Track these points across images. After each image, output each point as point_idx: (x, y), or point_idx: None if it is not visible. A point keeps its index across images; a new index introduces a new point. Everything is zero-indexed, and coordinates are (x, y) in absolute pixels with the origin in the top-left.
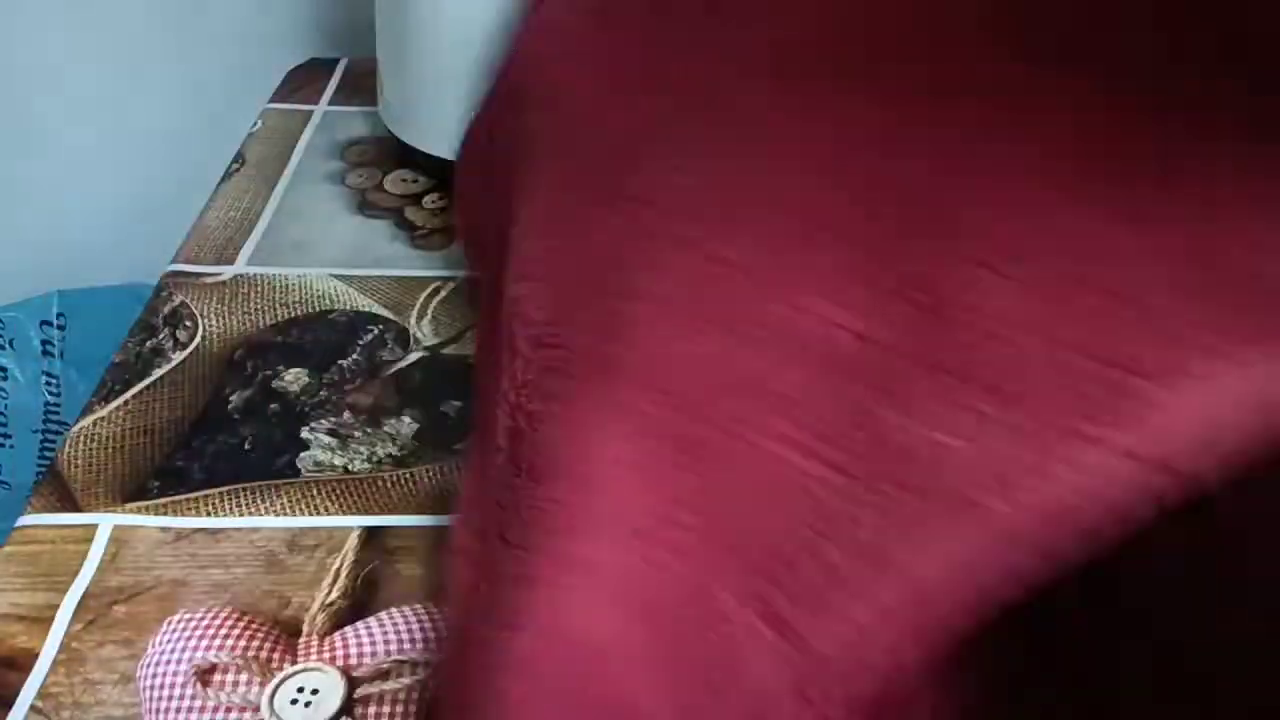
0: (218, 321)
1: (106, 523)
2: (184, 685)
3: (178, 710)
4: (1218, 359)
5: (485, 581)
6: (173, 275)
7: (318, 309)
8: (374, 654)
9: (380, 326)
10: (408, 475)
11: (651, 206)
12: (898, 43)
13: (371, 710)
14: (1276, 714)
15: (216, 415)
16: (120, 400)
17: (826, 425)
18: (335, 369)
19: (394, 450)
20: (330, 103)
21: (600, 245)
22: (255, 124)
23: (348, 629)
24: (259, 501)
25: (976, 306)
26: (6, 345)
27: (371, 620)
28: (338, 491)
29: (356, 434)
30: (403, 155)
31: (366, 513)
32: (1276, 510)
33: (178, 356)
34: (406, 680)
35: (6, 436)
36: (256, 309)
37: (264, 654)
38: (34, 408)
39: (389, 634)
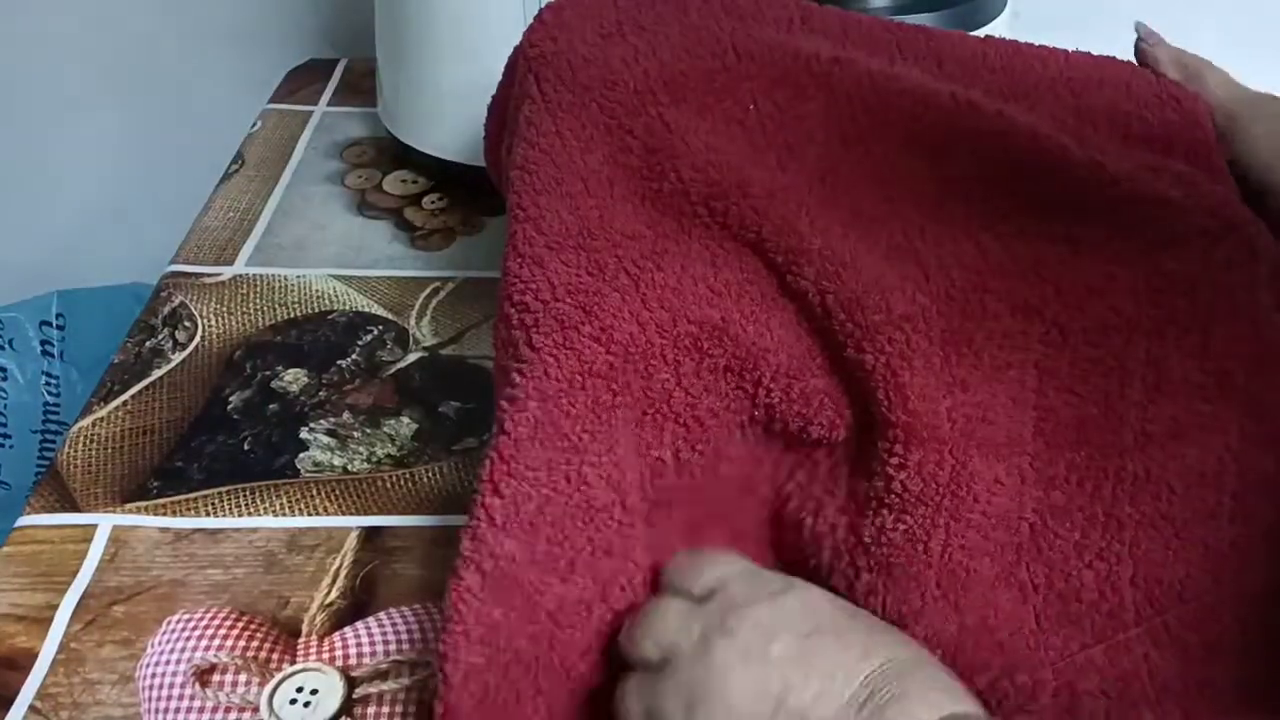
0: (217, 322)
1: (106, 523)
2: (183, 685)
3: (177, 710)
4: None
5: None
6: (172, 276)
7: (317, 309)
8: (373, 654)
9: (379, 327)
10: (407, 475)
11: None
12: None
13: (370, 710)
14: None
15: (216, 415)
16: (119, 400)
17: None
18: (334, 369)
19: (393, 450)
20: (329, 103)
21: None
22: (255, 124)
23: (347, 629)
24: (258, 502)
25: None
26: (6, 345)
27: (371, 620)
28: (337, 492)
29: (355, 434)
30: (402, 156)
31: (365, 513)
32: None
33: (177, 357)
34: (405, 680)
35: (6, 437)
36: (256, 309)
37: (263, 654)
38: (33, 408)
39: (388, 634)
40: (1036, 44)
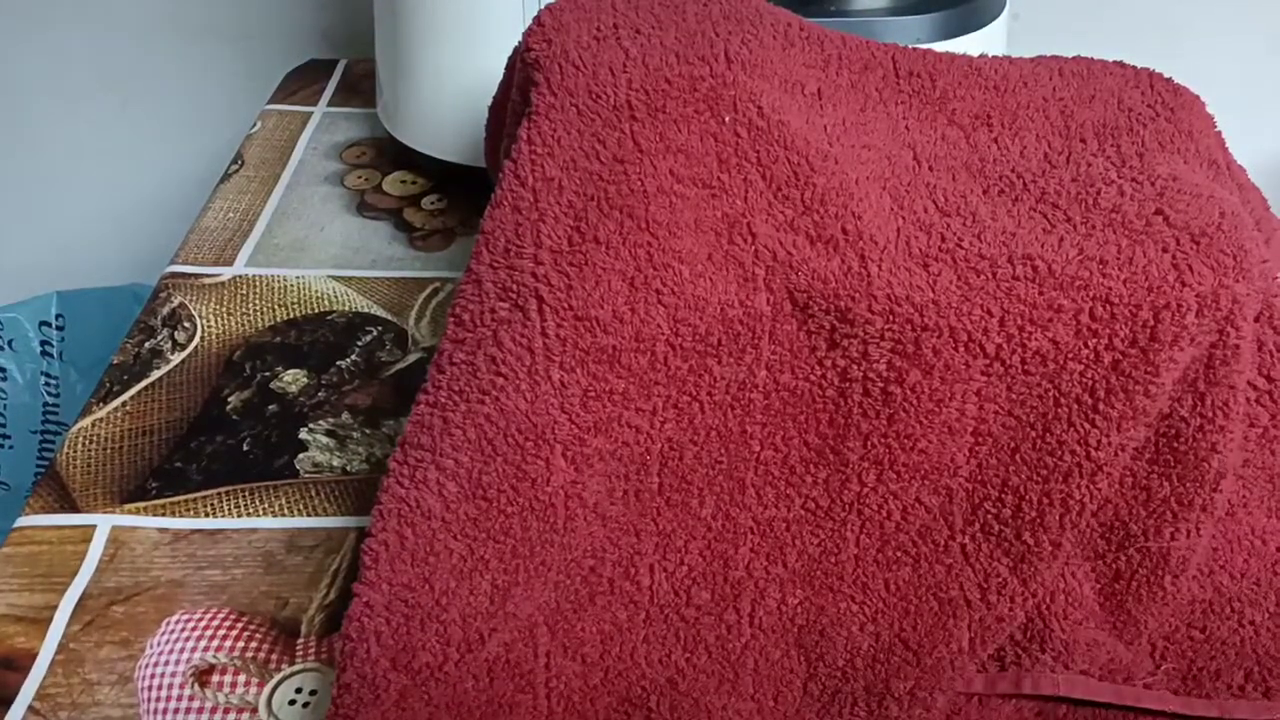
0: (216, 322)
1: (105, 523)
2: (182, 686)
3: (176, 711)
4: None
5: None
6: (171, 276)
7: (316, 310)
8: None
9: (379, 328)
10: None
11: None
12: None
13: None
14: None
15: (215, 416)
16: (119, 401)
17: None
18: (334, 370)
19: (392, 451)
20: (329, 104)
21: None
22: (254, 125)
23: None
24: (257, 502)
25: None
26: (6, 346)
27: None
28: (336, 492)
29: (355, 435)
30: (401, 157)
31: (364, 513)
32: None
33: (176, 357)
34: None
35: (5, 437)
36: (255, 310)
37: (262, 654)
38: (33, 408)
39: None
40: (1032, 56)
